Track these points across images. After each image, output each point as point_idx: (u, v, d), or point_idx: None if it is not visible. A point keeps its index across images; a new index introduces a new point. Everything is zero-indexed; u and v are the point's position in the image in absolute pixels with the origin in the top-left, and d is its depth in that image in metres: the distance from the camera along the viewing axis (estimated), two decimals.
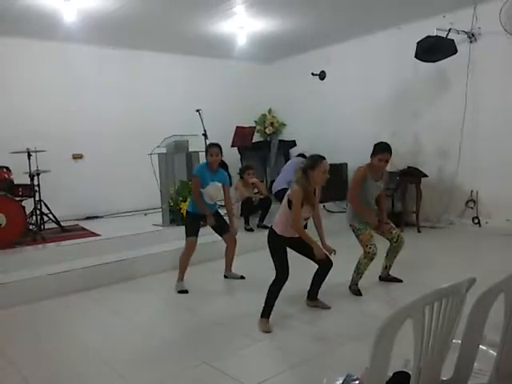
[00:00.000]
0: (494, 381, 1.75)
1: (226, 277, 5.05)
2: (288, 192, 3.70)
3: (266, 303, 3.63)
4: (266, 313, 3.61)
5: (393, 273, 4.56)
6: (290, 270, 3.62)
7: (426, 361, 1.52)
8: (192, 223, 4.71)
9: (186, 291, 4.60)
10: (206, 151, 4.75)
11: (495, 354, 1.77)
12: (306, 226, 3.80)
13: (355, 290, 4.30)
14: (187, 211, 4.84)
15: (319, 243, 3.77)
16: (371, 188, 4.32)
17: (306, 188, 3.59)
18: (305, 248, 3.74)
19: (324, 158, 3.65)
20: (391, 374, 1.64)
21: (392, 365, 1.47)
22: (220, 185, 4.73)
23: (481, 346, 1.77)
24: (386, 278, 4.59)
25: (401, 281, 4.52)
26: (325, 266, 3.85)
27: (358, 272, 4.30)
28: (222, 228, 4.84)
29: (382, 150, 4.23)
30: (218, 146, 4.76)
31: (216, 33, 7.39)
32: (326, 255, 3.73)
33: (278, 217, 3.75)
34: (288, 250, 3.73)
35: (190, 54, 8.67)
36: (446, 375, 1.71)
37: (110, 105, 7.90)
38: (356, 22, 7.34)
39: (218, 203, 4.96)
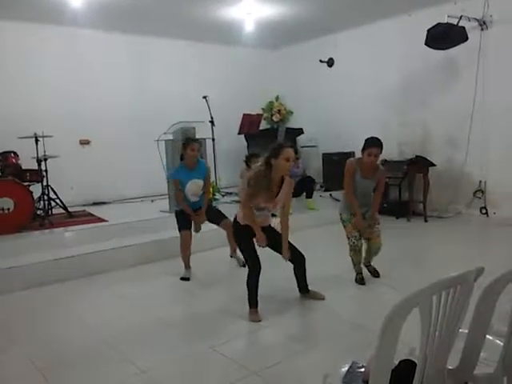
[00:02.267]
0: (500, 370, 1.75)
1: (231, 256, 5.11)
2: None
3: (248, 295, 3.61)
4: (252, 303, 3.59)
5: (398, 261, 4.54)
6: (279, 261, 3.62)
7: (433, 349, 1.52)
8: (182, 218, 4.71)
9: (187, 279, 4.63)
10: (185, 146, 4.63)
11: (502, 343, 1.77)
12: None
13: (358, 279, 4.30)
14: (175, 209, 4.84)
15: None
16: (359, 185, 4.22)
17: (261, 177, 3.48)
18: (274, 242, 3.70)
19: (288, 146, 3.50)
20: (397, 362, 1.64)
21: (397, 352, 1.47)
22: (199, 181, 4.70)
23: (487, 336, 1.76)
24: (367, 266, 4.50)
25: (378, 276, 4.42)
26: (296, 263, 3.81)
27: (354, 263, 4.31)
28: (215, 217, 4.83)
29: (369, 144, 4.12)
30: (198, 142, 4.76)
31: (224, 19, 7.33)
32: (287, 251, 3.69)
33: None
34: None
35: (198, 41, 8.60)
36: (453, 364, 1.72)
37: (118, 91, 7.88)
38: (365, 9, 7.24)
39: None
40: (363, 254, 4.39)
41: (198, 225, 4.76)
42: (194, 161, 4.67)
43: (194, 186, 4.67)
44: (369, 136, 4.22)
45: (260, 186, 3.48)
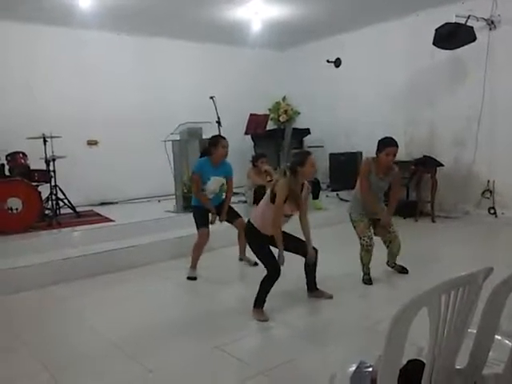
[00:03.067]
0: (508, 370, 1.74)
1: (241, 259, 5.11)
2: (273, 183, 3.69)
3: (258, 296, 3.59)
4: (259, 304, 3.59)
5: (406, 262, 4.51)
6: (290, 262, 3.62)
7: (441, 349, 1.51)
8: (200, 215, 4.69)
9: (194, 278, 4.63)
10: (215, 143, 4.62)
11: (511, 344, 1.76)
12: None
13: (366, 280, 4.29)
14: (192, 205, 4.82)
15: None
16: (373, 184, 4.23)
17: (293, 185, 3.56)
18: (294, 245, 3.72)
19: (310, 153, 3.66)
20: (405, 362, 1.63)
21: (405, 352, 1.46)
22: (221, 178, 4.70)
23: (496, 336, 1.75)
24: (393, 267, 4.54)
25: (406, 272, 4.45)
26: (309, 257, 3.81)
27: (363, 263, 4.29)
28: (230, 216, 4.82)
29: (387, 144, 4.13)
30: (225, 138, 4.76)
31: (231, 19, 7.33)
32: (306, 248, 3.72)
33: (259, 209, 3.70)
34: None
35: (205, 41, 8.62)
36: (461, 364, 1.70)
37: (125, 91, 7.91)
38: (372, 9, 7.21)
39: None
40: (386, 257, 4.40)
41: (216, 217, 4.73)
42: (223, 158, 4.68)
43: (215, 184, 4.66)
44: (375, 136, 4.23)
45: (294, 195, 3.57)
